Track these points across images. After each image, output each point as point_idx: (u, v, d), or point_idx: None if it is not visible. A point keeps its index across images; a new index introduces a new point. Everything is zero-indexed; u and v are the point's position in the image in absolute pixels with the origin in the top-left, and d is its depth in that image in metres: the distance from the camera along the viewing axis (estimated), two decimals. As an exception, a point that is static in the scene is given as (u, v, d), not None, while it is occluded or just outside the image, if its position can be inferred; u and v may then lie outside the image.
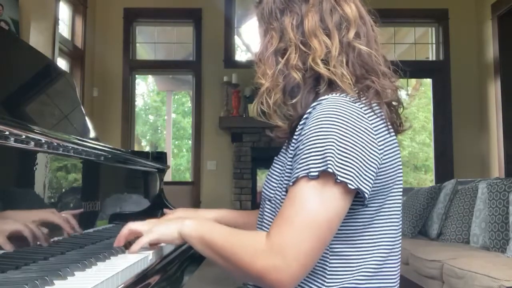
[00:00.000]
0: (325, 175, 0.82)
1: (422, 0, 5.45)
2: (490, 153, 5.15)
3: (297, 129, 0.92)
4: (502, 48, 4.92)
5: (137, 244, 0.98)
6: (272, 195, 0.97)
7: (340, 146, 0.82)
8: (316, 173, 0.82)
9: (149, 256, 1.00)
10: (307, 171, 0.83)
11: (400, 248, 0.96)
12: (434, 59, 5.69)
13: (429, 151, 8.29)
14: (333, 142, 0.83)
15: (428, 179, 9.03)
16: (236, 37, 5.72)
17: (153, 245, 1.06)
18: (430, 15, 5.58)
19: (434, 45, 5.69)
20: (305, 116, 0.91)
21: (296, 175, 0.84)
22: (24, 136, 0.90)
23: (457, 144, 5.40)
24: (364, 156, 0.84)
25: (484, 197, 3.10)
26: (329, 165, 0.81)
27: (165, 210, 1.59)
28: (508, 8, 4.75)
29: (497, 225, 2.85)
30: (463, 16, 5.47)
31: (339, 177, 0.81)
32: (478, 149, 5.32)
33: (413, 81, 7.56)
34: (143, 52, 6.05)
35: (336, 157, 0.82)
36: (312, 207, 0.82)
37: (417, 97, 9.43)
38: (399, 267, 0.96)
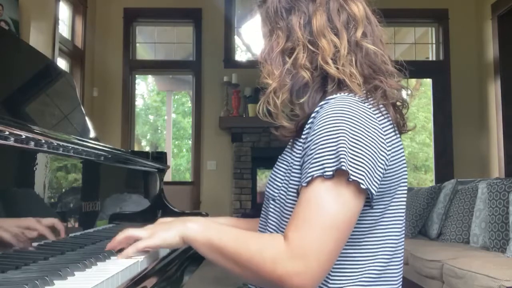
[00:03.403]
0: (339, 174, 0.81)
1: (422, 0, 5.45)
2: (490, 153, 5.15)
3: (304, 129, 0.91)
4: (502, 48, 4.92)
5: (133, 247, 0.93)
6: (276, 195, 0.95)
7: (352, 145, 0.82)
8: (331, 172, 0.81)
9: (149, 256, 1.00)
10: (322, 170, 0.81)
11: (403, 250, 0.95)
12: (434, 59, 5.69)
13: (429, 151, 8.29)
14: (345, 140, 0.82)
15: (428, 179, 9.03)
16: (236, 37, 5.72)
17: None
18: (430, 15, 5.58)
19: (434, 45, 5.69)
20: (312, 116, 0.90)
21: (310, 175, 0.83)
22: (24, 136, 0.90)
23: (457, 144, 5.40)
24: (374, 156, 0.83)
25: (484, 197, 3.10)
26: (342, 163, 0.80)
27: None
28: (508, 8, 4.75)
29: (497, 225, 2.85)
30: (463, 16, 5.47)
31: (351, 176, 0.80)
32: (478, 149, 5.32)
33: (413, 81, 7.57)
34: (143, 52, 6.05)
35: (349, 155, 0.81)
36: (330, 208, 0.81)
37: (417, 97, 9.43)
38: (401, 269, 0.95)
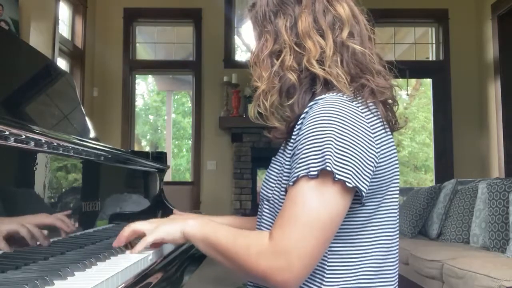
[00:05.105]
0: (324, 173, 0.82)
1: (422, 0, 5.45)
2: (490, 153, 5.15)
3: (294, 129, 0.93)
4: (502, 48, 4.91)
5: (141, 244, 0.99)
6: (270, 195, 0.97)
7: (338, 145, 0.83)
8: (316, 172, 0.82)
9: (149, 256, 1.00)
10: (306, 170, 0.83)
11: (397, 247, 0.96)
12: (434, 59, 5.69)
13: (429, 151, 8.30)
14: (331, 140, 0.83)
15: (428, 179, 9.04)
16: (236, 37, 5.72)
17: (154, 245, 1.06)
18: (430, 15, 5.58)
19: (434, 45, 5.69)
20: (302, 116, 0.92)
21: (296, 174, 0.84)
22: (24, 136, 0.90)
23: (457, 144, 5.40)
24: (362, 154, 0.84)
25: (484, 197, 3.10)
26: (327, 164, 0.81)
27: (174, 211, 1.58)
28: (508, 8, 4.75)
29: (497, 225, 2.85)
30: (463, 16, 5.47)
31: (337, 175, 0.81)
32: (478, 149, 5.32)
33: (413, 81, 7.57)
34: (143, 52, 6.05)
35: (334, 155, 0.82)
36: (313, 207, 0.82)
37: (417, 97, 9.43)
38: (397, 266, 0.96)
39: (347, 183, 0.81)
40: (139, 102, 9.46)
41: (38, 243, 0.95)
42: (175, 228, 0.97)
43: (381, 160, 0.89)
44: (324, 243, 0.83)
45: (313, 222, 0.81)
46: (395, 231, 0.95)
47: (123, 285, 0.83)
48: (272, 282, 0.82)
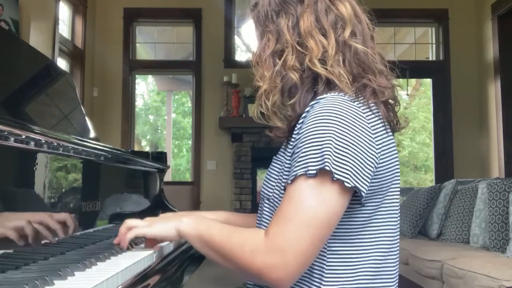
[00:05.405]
0: (322, 173, 0.82)
1: (422, 0, 5.45)
2: (490, 153, 5.15)
3: (295, 128, 0.93)
4: (502, 48, 4.91)
5: (131, 233, 0.99)
6: (270, 194, 0.97)
7: (338, 145, 0.83)
8: (314, 171, 0.82)
9: (149, 256, 1.00)
10: (305, 169, 0.83)
11: (398, 248, 0.96)
12: (434, 59, 5.69)
13: (429, 151, 8.30)
14: (331, 140, 0.83)
15: (428, 179, 9.03)
16: (236, 37, 5.72)
17: (151, 243, 1.06)
18: (430, 15, 5.58)
19: (434, 45, 5.69)
20: (303, 115, 0.92)
21: (294, 173, 0.85)
22: (24, 136, 0.90)
23: (457, 144, 5.40)
24: (362, 155, 0.84)
25: (484, 197, 3.10)
26: (326, 163, 0.81)
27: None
28: (508, 8, 4.75)
29: (497, 225, 2.85)
30: (463, 16, 5.47)
31: (335, 175, 0.81)
32: (478, 149, 5.32)
33: (413, 81, 7.57)
34: (143, 52, 6.05)
35: (334, 155, 0.82)
36: (310, 206, 0.82)
37: (417, 97, 9.43)
38: (397, 267, 0.96)
39: (345, 183, 0.81)
40: (139, 102, 9.46)
41: (38, 243, 0.95)
42: (170, 226, 0.97)
43: (381, 161, 0.89)
44: (320, 242, 0.83)
45: (310, 221, 0.81)
46: (396, 231, 0.95)
47: (123, 285, 0.83)
48: (267, 279, 0.82)
